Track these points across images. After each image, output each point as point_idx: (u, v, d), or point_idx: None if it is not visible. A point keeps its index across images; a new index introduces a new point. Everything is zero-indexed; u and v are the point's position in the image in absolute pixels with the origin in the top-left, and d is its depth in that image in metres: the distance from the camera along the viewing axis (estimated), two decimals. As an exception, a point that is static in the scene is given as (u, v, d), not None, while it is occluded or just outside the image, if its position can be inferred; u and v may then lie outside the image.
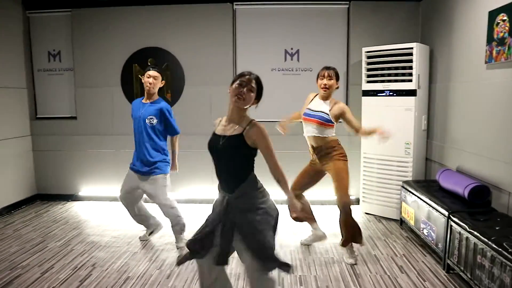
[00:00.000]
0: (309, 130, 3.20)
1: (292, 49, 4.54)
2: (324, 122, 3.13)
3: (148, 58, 4.58)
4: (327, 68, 3.21)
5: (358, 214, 4.34)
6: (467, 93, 3.40)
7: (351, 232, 3.16)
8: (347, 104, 4.54)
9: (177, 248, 3.48)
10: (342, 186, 3.10)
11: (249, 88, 2.07)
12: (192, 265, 3.09)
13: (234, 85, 2.07)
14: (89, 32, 4.63)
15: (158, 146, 3.35)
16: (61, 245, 3.54)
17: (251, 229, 2.02)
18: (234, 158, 2.09)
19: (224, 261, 2.07)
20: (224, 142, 2.05)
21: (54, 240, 3.66)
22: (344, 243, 3.18)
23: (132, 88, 4.65)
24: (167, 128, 3.39)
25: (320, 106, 3.20)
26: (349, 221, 3.14)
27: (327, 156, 3.17)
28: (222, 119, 2.18)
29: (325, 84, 3.16)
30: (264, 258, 1.99)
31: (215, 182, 2.20)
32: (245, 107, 2.10)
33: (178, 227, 3.46)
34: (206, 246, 2.08)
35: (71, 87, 4.79)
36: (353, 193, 4.60)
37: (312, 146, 3.25)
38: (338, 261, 3.17)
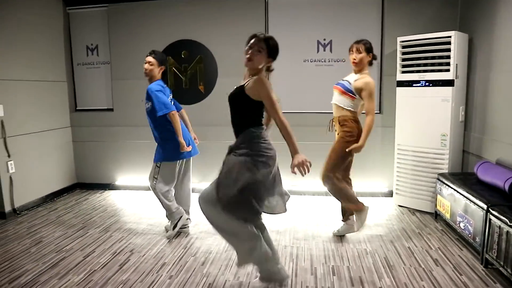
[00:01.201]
0: (333, 98, 3.29)
1: (324, 40, 4.49)
2: (344, 91, 3.21)
3: (182, 51, 4.68)
4: (357, 42, 3.22)
5: (391, 206, 4.29)
6: (511, 82, 3.27)
7: (344, 200, 3.32)
8: (380, 95, 4.47)
9: (165, 230, 3.66)
10: (326, 163, 3.26)
11: (257, 49, 2.25)
12: (226, 253, 3.17)
13: (246, 47, 2.27)
14: (125, 26, 4.77)
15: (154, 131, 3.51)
16: (100, 231, 3.71)
17: (226, 166, 2.29)
18: (235, 108, 2.35)
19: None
20: (231, 92, 2.35)
21: (94, 227, 3.83)
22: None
23: (166, 79, 4.75)
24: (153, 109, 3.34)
25: (348, 76, 3.28)
26: (336, 191, 3.29)
27: (339, 130, 3.27)
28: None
29: (354, 58, 3.18)
30: (220, 196, 2.23)
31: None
32: (255, 67, 2.28)
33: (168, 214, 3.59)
34: None
35: (108, 80, 4.96)
36: (386, 185, 4.57)
37: (334, 117, 3.32)
38: (371, 253, 3.16)
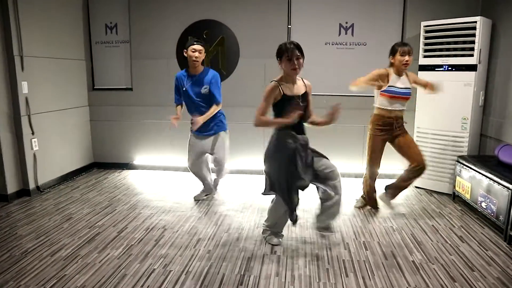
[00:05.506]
0: (397, 106, 3.41)
1: (346, 23, 4.52)
2: (409, 97, 3.45)
3: (204, 31, 4.67)
4: (405, 44, 3.36)
5: (408, 188, 4.39)
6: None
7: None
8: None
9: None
10: (420, 150, 3.52)
11: (298, 57, 2.62)
12: (258, 229, 3.26)
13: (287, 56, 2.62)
14: (145, 5, 4.73)
15: None
16: (128, 209, 3.76)
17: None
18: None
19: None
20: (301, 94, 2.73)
21: (121, 204, 3.88)
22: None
23: (187, 59, 4.74)
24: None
25: (398, 82, 3.39)
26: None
27: (402, 127, 3.50)
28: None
29: (407, 61, 3.33)
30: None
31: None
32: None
33: None
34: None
35: (127, 59, 4.93)
36: (402, 167, 4.68)
37: (396, 117, 3.44)
38: (398, 230, 3.28)
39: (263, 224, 3.09)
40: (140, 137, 5.05)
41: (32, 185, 4.11)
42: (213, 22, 4.65)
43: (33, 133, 4.08)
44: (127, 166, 5.15)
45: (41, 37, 4.17)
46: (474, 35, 3.75)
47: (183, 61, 4.73)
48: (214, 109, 3.56)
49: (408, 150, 3.47)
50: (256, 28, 4.61)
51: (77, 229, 3.27)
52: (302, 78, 2.79)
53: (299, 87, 2.73)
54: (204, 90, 3.54)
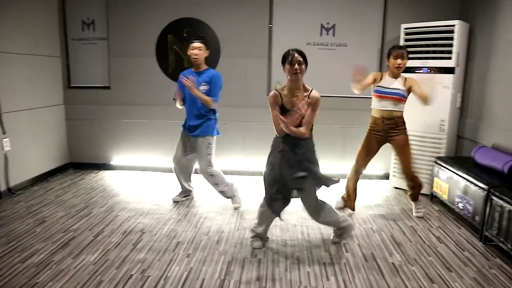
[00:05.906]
0: (386, 105, 3.41)
1: (328, 23, 4.53)
2: (402, 99, 3.39)
3: (184, 29, 4.58)
4: (400, 47, 3.38)
5: (387, 188, 4.46)
6: (510, 70, 3.44)
7: (418, 190, 3.63)
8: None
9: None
10: (409, 161, 3.52)
11: (300, 62, 2.64)
12: (238, 232, 3.23)
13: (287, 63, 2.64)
14: (124, 1, 4.60)
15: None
16: (105, 211, 3.65)
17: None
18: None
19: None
20: None
21: (97, 207, 3.77)
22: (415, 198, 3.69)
23: (166, 58, 4.66)
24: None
25: (393, 84, 3.40)
26: (417, 184, 3.59)
27: (396, 129, 3.45)
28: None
29: (400, 64, 3.35)
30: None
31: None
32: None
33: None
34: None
35: (105, 56, 4.79)
36: (382, 168, 4.74)
37: (384, 118, 3.45)
38: (378, 231, 3.30)
39: (253, 226, 3.05)
40: (118, 136, 4.93)
41: (3, 187, 3.94)
42: (194, 20, 4.56)
43: (4, 133, 3.91)
44: (104, 166, 5.01)
45: (13, 32, 3.99)
46: (452, 38, 3.82)
47: (163, 60, 4.67)
48: (207, 98, 3.46)
49: (398, 155, 3.55)
50: (237, 27, 4.56)
51: (50, 234, 3.15)
52: (312, 89, 2.76)
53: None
54: (202, 86, 3.46)
